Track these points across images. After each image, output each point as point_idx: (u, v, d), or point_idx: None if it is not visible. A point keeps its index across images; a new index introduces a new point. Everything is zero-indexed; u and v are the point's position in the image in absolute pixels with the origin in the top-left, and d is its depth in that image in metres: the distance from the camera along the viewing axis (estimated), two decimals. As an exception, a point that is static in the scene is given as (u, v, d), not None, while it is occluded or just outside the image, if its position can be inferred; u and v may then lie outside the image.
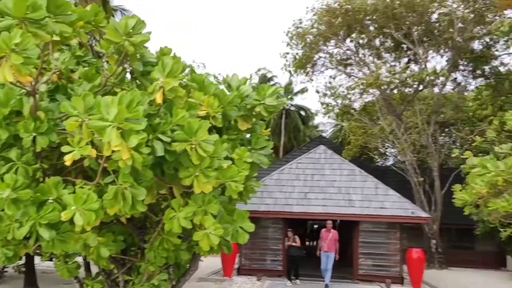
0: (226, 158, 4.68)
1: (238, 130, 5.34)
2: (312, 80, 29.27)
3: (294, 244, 15.45)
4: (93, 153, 3.67)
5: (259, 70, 48.09)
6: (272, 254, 17.29)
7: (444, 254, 23.60)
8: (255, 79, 46.93)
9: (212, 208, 4.32)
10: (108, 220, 4.51)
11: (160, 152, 3.87)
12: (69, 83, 5.02)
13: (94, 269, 6.00)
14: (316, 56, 27.98)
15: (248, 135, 5.61)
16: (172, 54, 4.82)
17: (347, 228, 19.01)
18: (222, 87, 5.52)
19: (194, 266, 6.01)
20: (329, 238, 15.02)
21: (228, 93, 5.14)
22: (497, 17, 23.23)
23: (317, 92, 28.95)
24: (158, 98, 4.16)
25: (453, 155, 17.75)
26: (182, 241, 5.24)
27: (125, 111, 3.38)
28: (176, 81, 4.11)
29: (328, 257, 14.92)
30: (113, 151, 3.46)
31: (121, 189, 3.89)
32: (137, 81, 5.08)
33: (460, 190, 8.89)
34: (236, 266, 17.41)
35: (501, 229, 8.57)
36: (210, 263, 16.66)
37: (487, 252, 24.64)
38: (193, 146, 3.85)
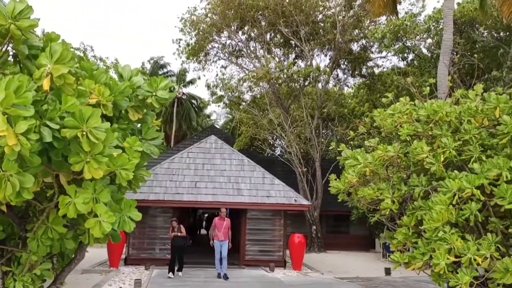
0: (117, 147, 4.73)
1: (129, 120, 5.38)
2: (204, 68, 29.48)
3: (179, 234, 14.82)
4: (-25, 138, 3.52)
5: (151, 58, 46.89)
6: (161, 243, 17.25)
7: (323, 238, 25.61)
8: (148, 66, 45.72)
9: (103, 196, 4.37)
10: (-12, 209, 4.33)
11: (48, 138, 3.83)
12: None
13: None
14: (209, 46, 28.21)
15: (139, 125, 5.67)
16: (60, 41, 4.70)
17: (236, 216, 19.67)
18: (112, 72, 5.50)
19: (80, 255, 5.92)
20: (223, 227, 14.94)
21: (119, 83, 5.15)
22: (372, 23, 25.64)
23: (207, 87, 29.26)
24: (45, 85, 4.08)
25: (330, 147, 19.36)
26: (67, 230, 5.16)
27: (12, 97, 3.31)
28: (65, 68, 4.07)
29: (222, 246, 14.87)
30: (-2, 137, 3.37)
31: (6, 176, 3.78)
32: (21, 64, 4.86)
33: (335, 179, 9.71)
34: (123, 256, 17.08)
35: (368, 215, 9.53)
36: (96, 254, 16.14)
37: (359, 236, 27.30)
38: (84, 132, 3.87)
